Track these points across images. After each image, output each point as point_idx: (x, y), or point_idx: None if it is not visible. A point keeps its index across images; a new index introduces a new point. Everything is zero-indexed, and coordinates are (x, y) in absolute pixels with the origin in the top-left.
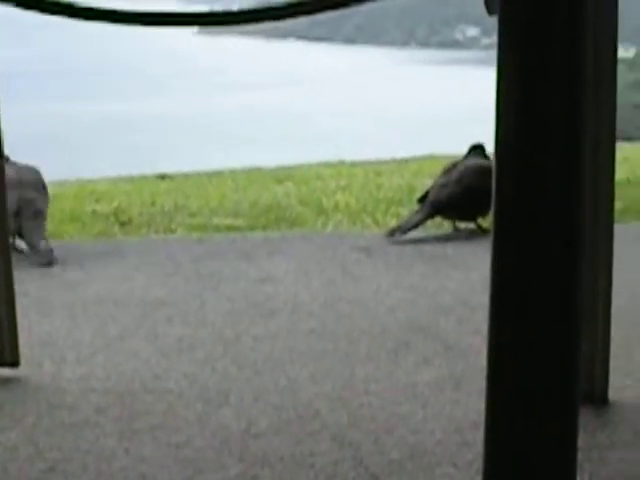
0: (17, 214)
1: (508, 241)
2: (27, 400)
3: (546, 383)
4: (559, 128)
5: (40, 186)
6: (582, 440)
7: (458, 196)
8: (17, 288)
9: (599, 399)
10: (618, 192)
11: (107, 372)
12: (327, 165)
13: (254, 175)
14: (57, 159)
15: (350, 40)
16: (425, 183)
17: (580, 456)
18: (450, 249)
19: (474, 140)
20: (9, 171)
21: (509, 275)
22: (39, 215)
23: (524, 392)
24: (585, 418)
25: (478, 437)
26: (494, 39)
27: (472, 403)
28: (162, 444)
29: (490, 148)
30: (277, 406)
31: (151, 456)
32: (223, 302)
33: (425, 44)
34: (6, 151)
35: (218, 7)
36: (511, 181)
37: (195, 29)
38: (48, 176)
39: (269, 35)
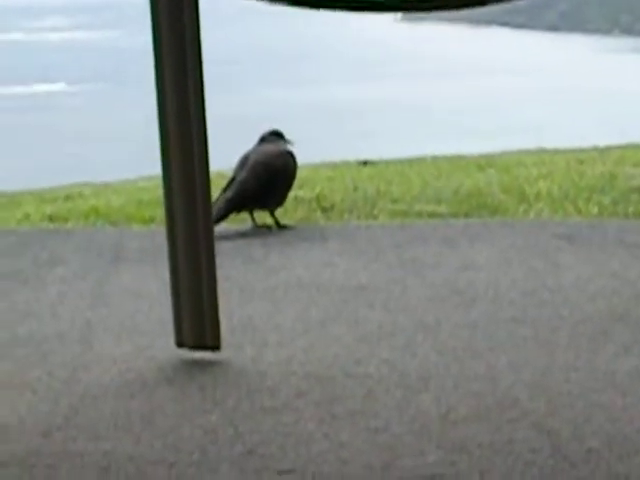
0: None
1: None
2: (227, 383)
3: None
4: None
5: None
6: None
7: None
8: (219, 273)
9: None
10: None
11: (308, 356)
12: (529, 153)
13: (456, 162)
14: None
15: (553, 27)
16: (627, 171)
17: None
18: None
19: None
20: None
21: None
22: None
23: None
24: None
25: None
26: None
27: None
28: (361, 429)
29: None
30: (476, 393)
31: (350, 441)
32: (424, 288)
33: (629, 31)
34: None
35: None
36: None
37: (398, 15)
38: None
39: (471, 22)
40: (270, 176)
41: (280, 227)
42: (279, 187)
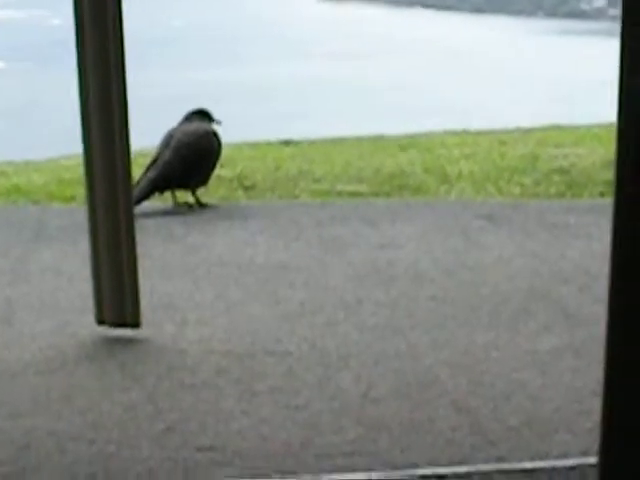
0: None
1: (629, 211)
2: (148, 361)
3: None
4: None
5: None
6: None
7: None
8: (140, 251)
9: None
10: None
11: (228, 334)
12: (452, 134)
13: (379, 142)
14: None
15: (478, 9)
16: (549, 152)
17: None
18: (572, 218)
19: (599, 110)
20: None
21: (630, 245)
22: None
23: None
24: None
25: (597, 405)
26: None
27: (592, 371)
28: (281, 406)
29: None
30: (397, 371)
31: (270, 418)
32: (345, 267)
33: (552, 14)
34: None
35: None
36: (634, 150)
37: None
38: None
39: (393, 3)
40: (194, 157)
41: (201, 205)
42: (203, 168)
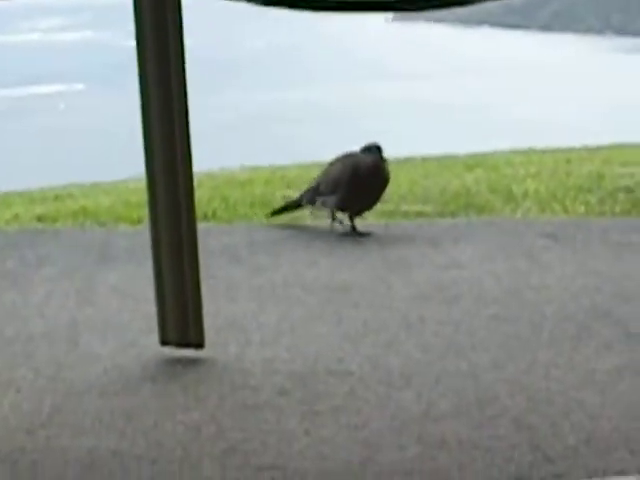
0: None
1: None
2: (211, 381)
3: None
4: None
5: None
6: None
7: None
8: (205, 272)
9: None
10: None
11: (291, 355)
12: (517, 152)
13: (445, 162)
14: (249, 146)
15: (546, 27)
16: (615, 171)
17: None
18: (636, 237)
19: None
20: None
21: None
22: None
23: None
24: None
25: None
26: None
27: None
28: (342, 425)
29: None
30: (457, 390)
31: (331, 437)
32: (408, 287)
33: (622, 31)
34: None
35: None
36: None
37: (389, 16)
38: (242, 161)
39: (462, 22)
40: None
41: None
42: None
